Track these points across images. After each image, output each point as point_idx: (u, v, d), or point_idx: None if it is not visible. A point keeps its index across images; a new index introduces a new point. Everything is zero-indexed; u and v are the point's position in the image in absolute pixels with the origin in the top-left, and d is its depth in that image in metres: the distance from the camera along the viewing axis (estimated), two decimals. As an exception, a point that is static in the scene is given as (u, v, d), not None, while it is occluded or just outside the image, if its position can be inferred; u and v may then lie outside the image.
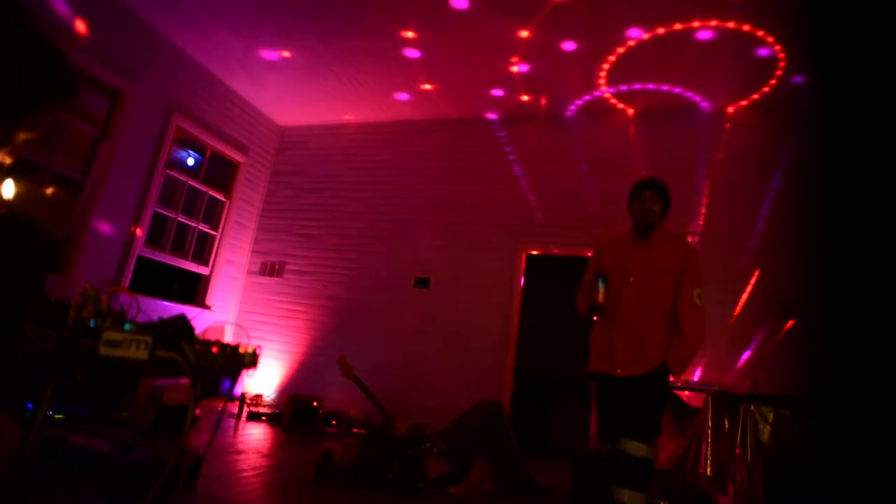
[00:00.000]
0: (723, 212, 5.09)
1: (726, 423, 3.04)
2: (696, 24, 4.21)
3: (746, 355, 4.68)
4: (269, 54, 5.47)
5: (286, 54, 5.42)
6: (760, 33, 4.22)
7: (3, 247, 1.00)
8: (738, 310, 4.82)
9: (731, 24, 4.17)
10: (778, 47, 4.34)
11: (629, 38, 4.49)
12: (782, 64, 4.56)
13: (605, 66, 4.92)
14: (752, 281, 4.83)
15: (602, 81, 5.19)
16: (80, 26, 4.58)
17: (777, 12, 3.94)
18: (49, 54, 1.00)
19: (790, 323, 4.50)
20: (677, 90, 5.17)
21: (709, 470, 3.02)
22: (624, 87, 5.24)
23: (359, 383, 3.78)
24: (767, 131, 5.14)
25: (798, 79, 4.70)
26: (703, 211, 5.16)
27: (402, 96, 6.00)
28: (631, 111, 5.64)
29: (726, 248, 4.99)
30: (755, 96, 5.07)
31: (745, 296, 4.82)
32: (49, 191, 1.12)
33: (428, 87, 5.71)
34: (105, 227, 4.98)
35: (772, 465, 3.02)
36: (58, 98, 1.06)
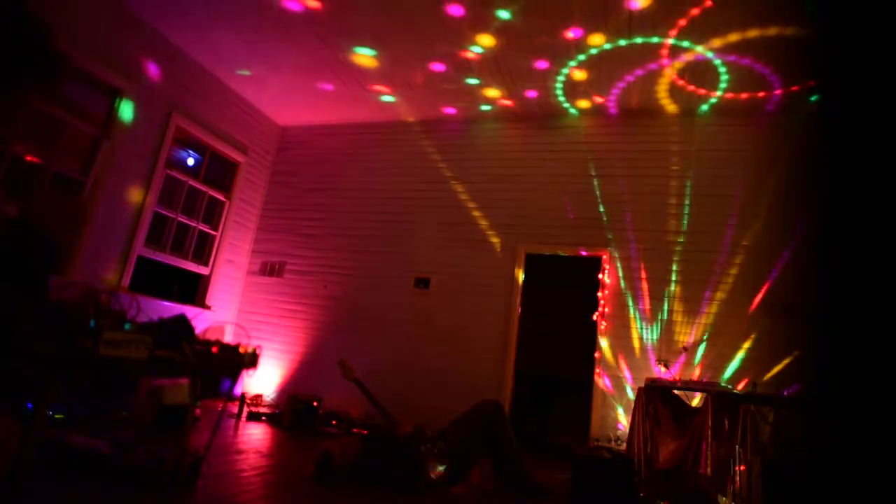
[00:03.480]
0: (725, 213, 5.09)
1: (726, 423, 3.04)
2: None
3: (746, 355, 4.68)
4: (269, 54, 5.47)
5: (286, 54, 5.42)
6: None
7: (6, 249, 0.99)
8: (739, 310, 4.82)
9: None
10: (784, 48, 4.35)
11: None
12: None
13: (606, 69, 4.93)
14: (754, 281, 4.83)
15: (605, 82, 5.19)
16: (80, 26, 4.58)
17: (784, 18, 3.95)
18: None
19: (793, 329, 4.50)
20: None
21: (709, 470, 3.02)
22: (622, 89, 5.24)
23: (360, 385, 3.78)
24: (769, 132, 5.15)
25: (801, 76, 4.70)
26: (706, 211, 5.16)
27: (403, 96, 6.00)
28: (631, 112, 5.64)
29: (728, 248, 5.00)
30: (754, 96, 5.07)
31: (746, 296, 4.82)
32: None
33: (428, 88, 5.71)
34: (105, 227, 4.98)
35: (772, 465, 3.02)
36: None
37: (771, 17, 4.06)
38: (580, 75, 5.13)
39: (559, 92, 5.47)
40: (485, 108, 6.02)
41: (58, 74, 1.08)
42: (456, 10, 4.39)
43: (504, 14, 4.37)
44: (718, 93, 5.10)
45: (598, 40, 4.55)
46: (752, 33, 4.23)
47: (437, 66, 5.27)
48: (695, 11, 4.09)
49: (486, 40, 4.75)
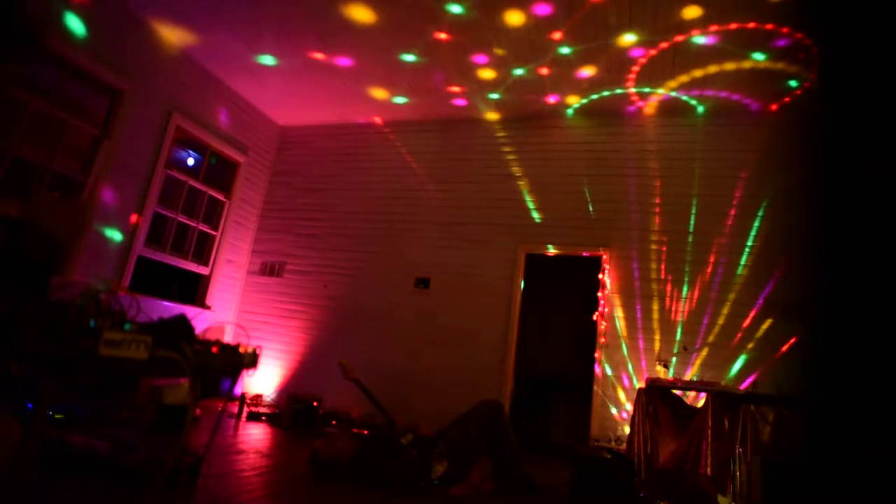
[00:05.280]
0: (726, 213, 5.09)
1: (726, 423, 3.04)
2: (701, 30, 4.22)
3: (747, 356, 4.68)
4: (269, 54, 5.47)
5: (286, 54, 5.41)
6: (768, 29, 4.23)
7: (8, 249, 0.99)
8: (739, 310, 4.82)
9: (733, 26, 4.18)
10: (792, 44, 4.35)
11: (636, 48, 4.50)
12: (793, 69, 4.56)
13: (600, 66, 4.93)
14: (754, 282, 4.83)
15: (604, 82, 5.19)
16: (80, 26, 4.57)
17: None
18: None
19: (794, 330, 4.50)
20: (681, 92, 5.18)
21: (709, 470, 3.02)
22: (627, 88, 5.24)
23: (360, 386, 3.78)
24: (770, 132, 5.15)
25: (806, 83, 4.71)
26: (706, 211, 5.16)
27: (402, 97, 6.00)
28: (631, 111, 5.64)
29: (729, 248, 5.00)
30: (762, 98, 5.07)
31: (746, 297, 4.82)
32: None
33: (427, 87, 5.70)
34: (105, 227, 4.98)
35: (772, 465, 3.02)
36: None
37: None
38: (588, 70, 5.16)
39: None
40: (484, 108, 6.01)
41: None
42: (456, 8, 4.40)
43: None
44: (718, 93, 5.11)
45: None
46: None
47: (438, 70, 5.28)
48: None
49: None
